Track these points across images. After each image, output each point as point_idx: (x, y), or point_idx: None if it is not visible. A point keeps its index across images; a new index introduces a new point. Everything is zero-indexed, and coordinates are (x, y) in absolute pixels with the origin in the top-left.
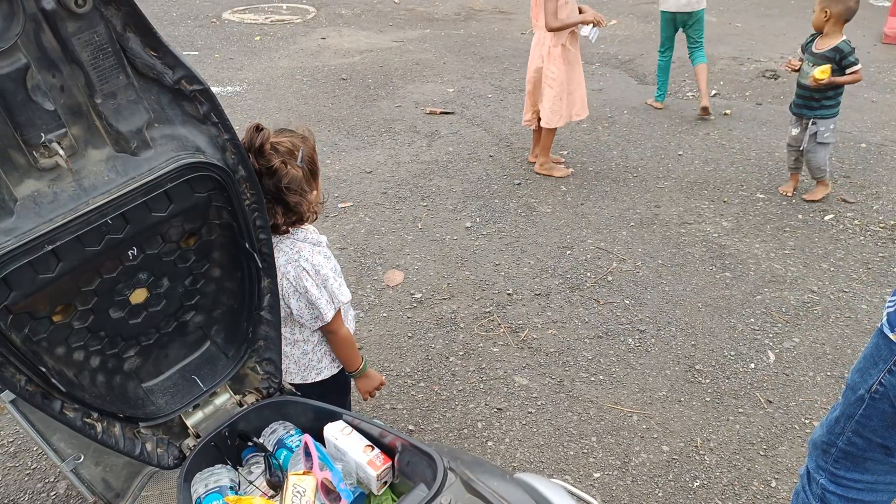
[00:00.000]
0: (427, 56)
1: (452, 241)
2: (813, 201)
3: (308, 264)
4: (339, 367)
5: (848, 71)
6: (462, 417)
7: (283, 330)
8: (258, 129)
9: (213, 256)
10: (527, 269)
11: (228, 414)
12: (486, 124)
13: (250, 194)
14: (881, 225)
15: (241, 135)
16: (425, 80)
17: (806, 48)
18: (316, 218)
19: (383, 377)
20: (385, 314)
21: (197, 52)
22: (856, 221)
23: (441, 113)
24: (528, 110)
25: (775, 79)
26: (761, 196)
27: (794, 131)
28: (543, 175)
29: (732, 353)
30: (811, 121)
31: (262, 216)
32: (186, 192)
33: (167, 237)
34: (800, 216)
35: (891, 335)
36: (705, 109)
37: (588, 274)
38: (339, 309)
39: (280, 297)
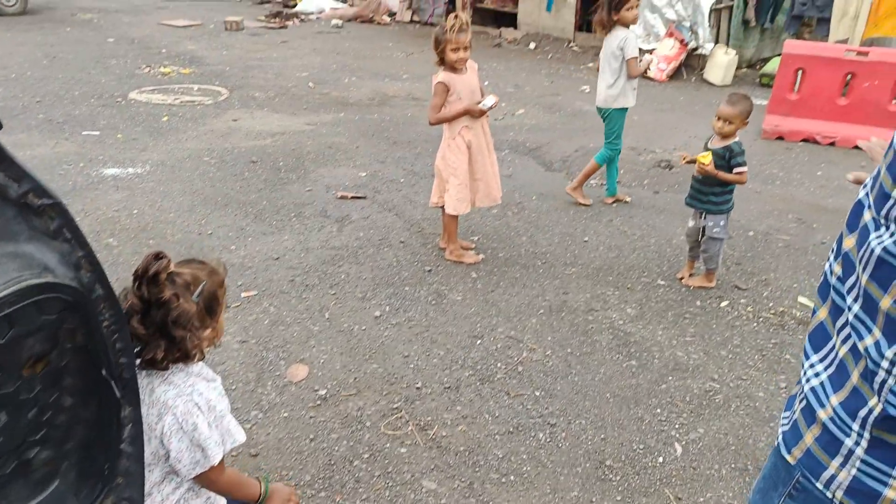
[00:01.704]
0: (340, 140)
1: (361, 332)
2: (696, 287)
3: (202, 399)
4: None
5: (735, 170)
6: None
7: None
8: (157, 256)
9: (65, 384)
10: (436, 360)
11: None
12: (397, 209)
13: (109, 315)
14: (771, 311)
15: (130, 223)
16: (337, 164)
17: (706, 144)
18: (203, 357)
19: (291, 487)
20: (286, 414)
21: (98, 132)
22: (749, 308)
23: (353, 197)
24: (435, 192)
25: (670, 169)
26: (662, 283)
27: (691, 222)
28: (454, 262)
29: (641, 446)
30: (702, 215)
31: (124, 338)
32: (32, 315)
33: (4, 365)
34: (698, 302)
35: (787, 457)
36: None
37: (499, 364)
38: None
39: (160, 436)
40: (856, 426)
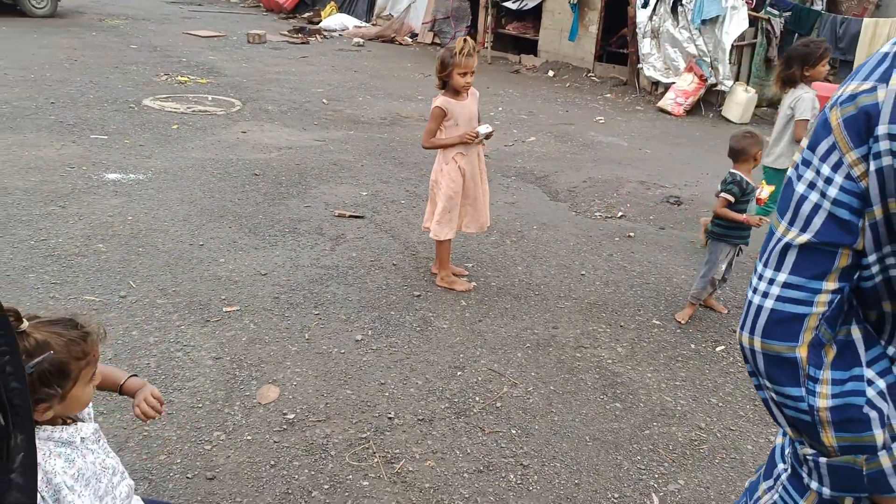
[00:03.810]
0: (346, 157)
1: (339, 355)
2: (682, 323)
3: (41, 471)
4: None
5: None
6: None
7: None
8: (6, 312)
9: None
10: (413, 389)
11: None
12: (394, 231)
13: None
14: None
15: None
16: (340, 182)
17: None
18: (56, 423)
19: None
20: (249, 437)
21: (106, 137)
22: None
23: (350, 216)
24: (427, 217)
25: (678, 205)
26: (657, 322)
27: (723, 264)
28: (445, 288)
29: (616, 494)
30: (738, 250)
31: (14, 362)
32: None
33: None
34: (692, 346)
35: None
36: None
37: (477, 398)
38: None
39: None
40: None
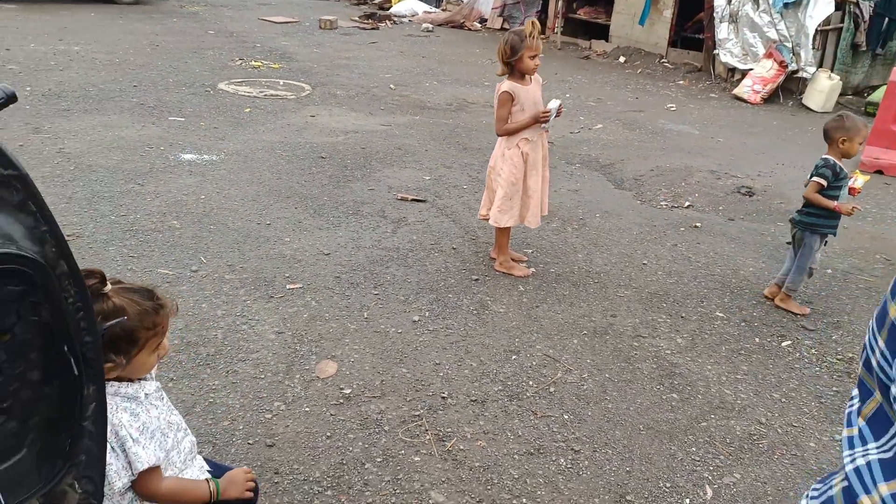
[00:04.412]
0: (410, 142)
1: (396, 335)
2: (786, 310)
3: (108, 423)
4: None
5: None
6: None
7: None
8: (92, 274)
9: (31, 358)
10: (467, 371)
11: None
12: (455, 215)
13: (73, 292)
14: (838, 357)
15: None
16: (404, 166)
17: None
18: (124, 380)
19: (245, 469)
20: (307, 409)
21: (183, 119)
22: (813, 350)
23: (412, 200)
24: (484, 205)
25: (750, 196)
26: (720, 315)
27: (818, 255)
28: (503, 273)
29: (668, 484)
30: (825, 240)
31: (88, 317)
32: None
33: None
34: (757, 339)
35: None
36: None
37: (530, 382)
38: (148, 473)
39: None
40: None
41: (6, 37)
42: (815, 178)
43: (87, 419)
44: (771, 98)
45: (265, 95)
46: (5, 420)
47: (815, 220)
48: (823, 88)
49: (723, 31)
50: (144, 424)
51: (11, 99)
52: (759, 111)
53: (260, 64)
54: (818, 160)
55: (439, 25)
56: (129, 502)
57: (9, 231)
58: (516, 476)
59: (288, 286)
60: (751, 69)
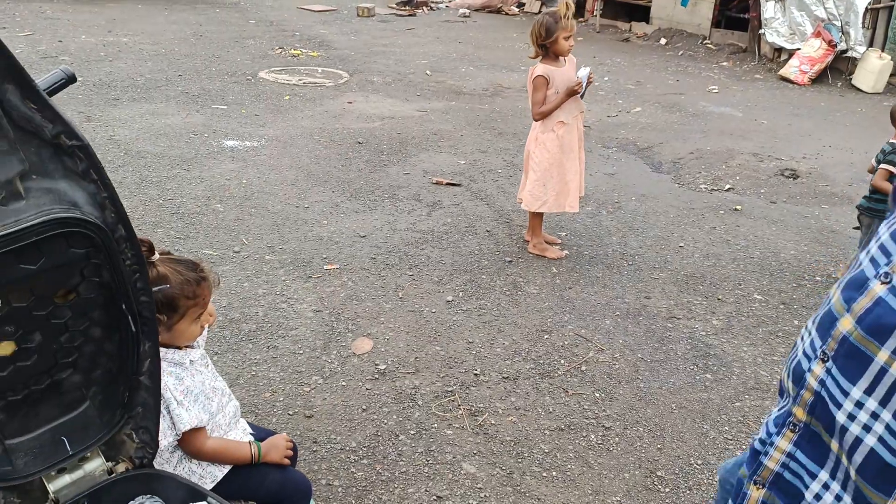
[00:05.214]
0: (446, 127)
1: (430, 314)
2: None
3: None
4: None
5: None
6: (398, 502)
7: None
8: (143, 243)
9: (93, 316)
10: (500, 349)
11: (95, 481)
12: (489, 199)
13: (131, 255)
14: None
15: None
16: (439, 151)
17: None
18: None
19: (285, 436)
20: (344, 383)
21: (226, 107)
22: None
23: (447, 184)
24: (522, 188)
25: (794, 178)
26: (758, 297)
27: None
28: (536, 255)
29: (700, 461)
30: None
31: (144, 278)
32: (62, 247)
33: (38, 291)
34: (796, 322)
35: None
36: None
37: (562, 361)
38: (192, 433)
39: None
40: None
41: (59, 29)
42: (884, 165)
43: (144, 374)
44: (819, 79)
45: (304, 83)
46: (71, 373)
47: (885, 206)
48: (874, 69)
49: (769, 9)
50: (188, 388)
51: (71, 79)
52: (805, 92)
53: (299, 52)
54: (885, 145)
55: (476, 10)
56: (178, 459)
57: (73, 197)
58: (546, 450)
59: (325, 267)
60: (798, 49)
